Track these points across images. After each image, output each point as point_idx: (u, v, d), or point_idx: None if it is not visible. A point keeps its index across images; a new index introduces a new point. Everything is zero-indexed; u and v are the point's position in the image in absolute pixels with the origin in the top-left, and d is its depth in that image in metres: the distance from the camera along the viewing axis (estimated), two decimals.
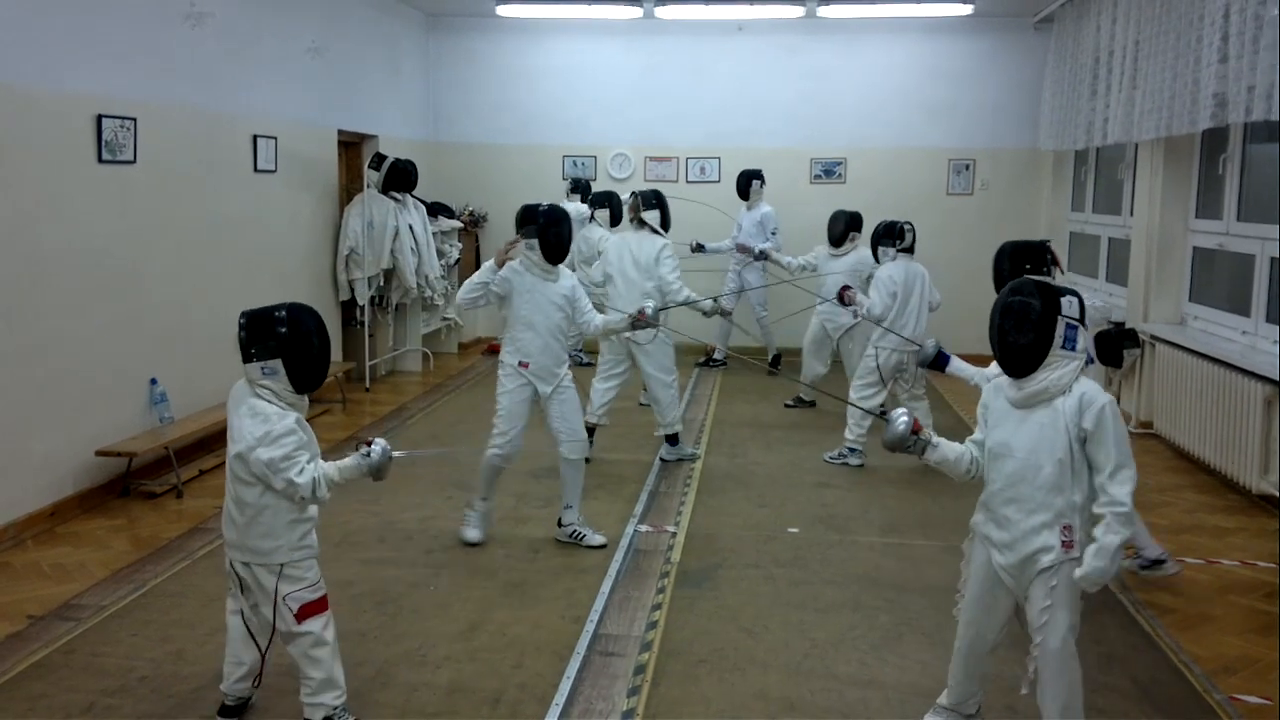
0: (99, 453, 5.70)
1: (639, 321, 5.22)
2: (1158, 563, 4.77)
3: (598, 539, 5.20)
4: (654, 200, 6.59)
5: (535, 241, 4.96)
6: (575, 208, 8.46)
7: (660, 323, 5.49)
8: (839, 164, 10.57)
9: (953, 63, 10.32)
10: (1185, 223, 7.43)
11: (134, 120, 5.90)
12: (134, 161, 5.94)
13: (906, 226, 6.64)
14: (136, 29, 5.98)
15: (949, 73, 10.33)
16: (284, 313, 3.24)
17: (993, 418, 3.14)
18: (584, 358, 9.54)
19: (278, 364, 3.22)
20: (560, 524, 5.27)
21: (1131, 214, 8.14)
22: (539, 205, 5.06)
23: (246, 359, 3.24)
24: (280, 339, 3.21)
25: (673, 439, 6.70)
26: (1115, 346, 7.65)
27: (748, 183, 9.49)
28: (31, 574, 4.78)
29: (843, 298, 6.49)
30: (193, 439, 6.29)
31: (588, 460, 5.47)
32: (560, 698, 3.67)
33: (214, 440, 6.51)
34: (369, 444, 3.36)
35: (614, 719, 3.54)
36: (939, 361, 4.47)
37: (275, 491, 3.24)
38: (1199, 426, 6.51)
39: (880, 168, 10.36)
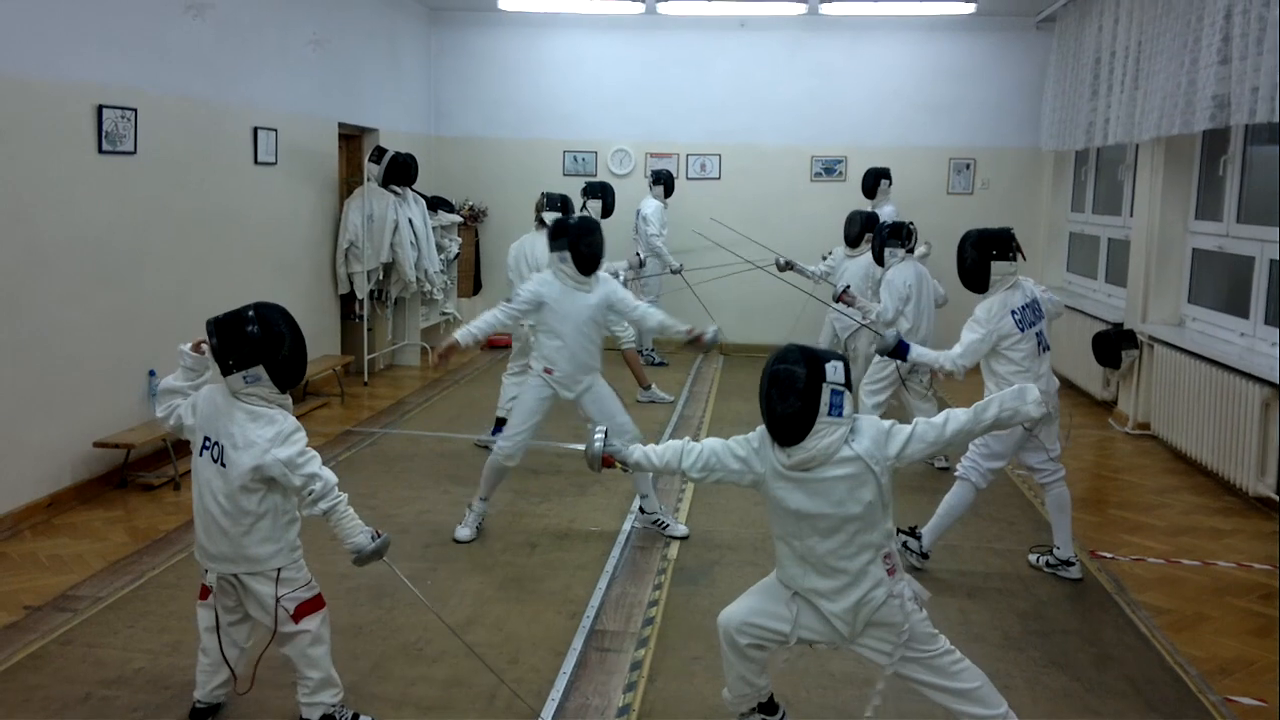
0: (97, 444, 5.70)
1: (695, 342, 5.07)
2: (1066, 563, 4.83)
3: (681, 529, 5.29)
4: (558, 203, 6.61)
5: (568, 254, 4.99)
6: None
7: (715, 346, 5.27)
8: (840, 162, 10.56)
9: (954, 62, 10.31)
10: (1185, 224, 7.43)
11: (134, 111, 5.89)
12: (134, 152, 5.94)
13: (912, 227, 6.63)
14: (138, 19, 5.97)
15: (950, 71, 10.32)
16: (252, 313, 3.15)
17: (782, 481, 2.98)
18: (655, 357, 9.53)
19: (259, 370, 3.15)
20: (643, 511, 5.36)
21: (1131, 215, 8.15)
22: (570, 218, 5.11)
23: (226, 371, 3.16)
24: (255, 343, 3.13)
25: None
26: (1113, 348, 7.66)
27: (875, 181, 9.43)
28: (29, 565, 4.78)
29: (843, 298, 6.50)
30: None
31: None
32: (556, 693, 3.68)
33: None
34: (378, 533, 3.26)
35: (610, 714, 3.55)
36: (899, 351, 4.53)
37: (279, 494, 3.22)
38: (1196, 428, 6.52)
39: (881, 166, 10.35)
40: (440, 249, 9.56)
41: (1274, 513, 5.74)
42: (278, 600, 3.24)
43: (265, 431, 3.16)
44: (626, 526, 5.41)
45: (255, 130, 7.30)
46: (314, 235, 8.38)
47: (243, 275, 7.09)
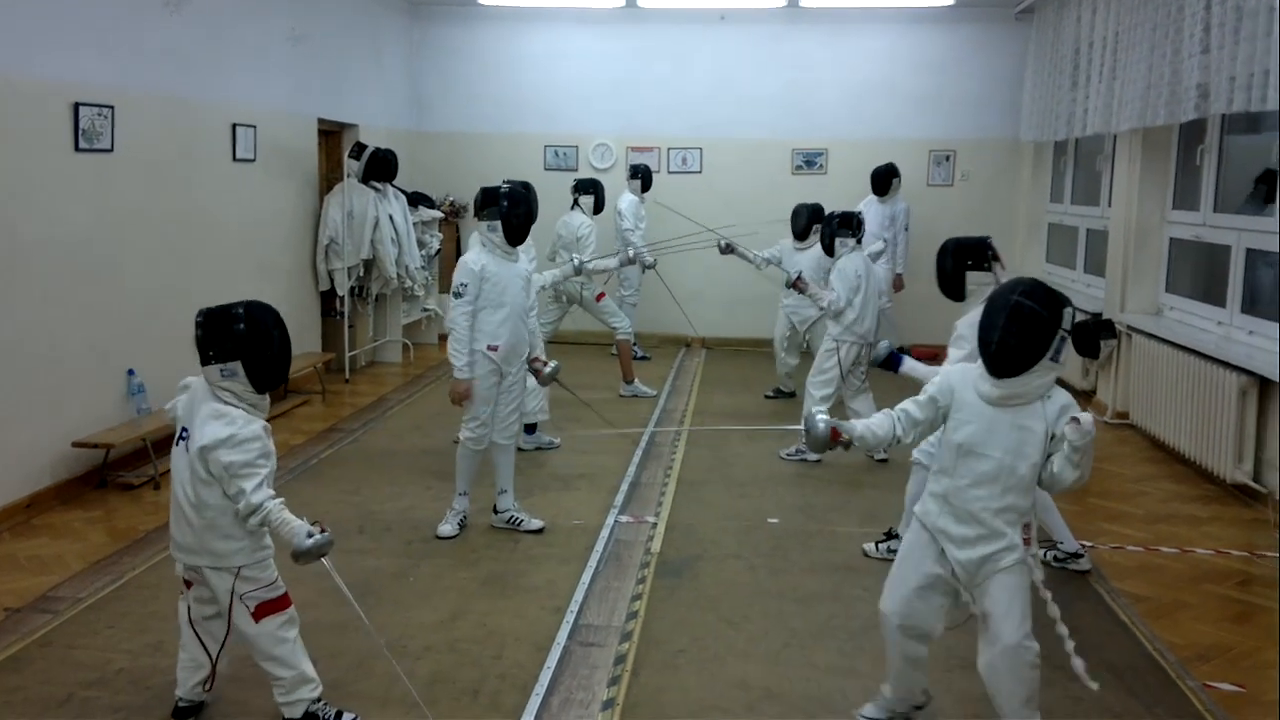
0: (76, 444, 5.66)
1: (536, 370, 5.27)
2: (1074, 556, 4.84)
3: (535, 523, 5.25)
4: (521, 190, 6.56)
5: (498, 224, 5.00)
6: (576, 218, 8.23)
7: (549, 381, 5.43)
8: (820, 155, 10.58)
9: (934, 53, 10.33)
10: (1162, 214, 7.48)
11: (111, 108, 5.84)
12: (111, 150, 5.89)
13: (861, 217, 6.65)
14: (114, 15, 5.92)
15: (930, 63, 10.34)
16: (242, 310, 3.18)
17: (964, 411, 3.08)
18: (638, 351, 9.27)
19: (237, 365, 3.15)
20: (495, 510, 5.31)
21: (1109, 205, 8.20)
22: (499, 187, 5.08)
23: (205, 361, 3.18)
24: (238, 339, 3.14)
25: (530, 428, 6.68)
26: (1092, 337, 7.71)
27: (888, 179, 9.39)
28: (8, 566, 4.75)
29: (796, 285, 6.56)
30: (170, 430, 6.19)
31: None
32: (540, 688, 3.68)
33: None
34: (323, 528, 3.14)
35: (594, 709, 3.56)
36: (891, 362, 4.47)
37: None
38: (1175, 417, 6.57)
39: (861, 159, 10.33)
40: (421, 245, 9.53)
41: (1251, 500, 5.80)
42: (233, 596, 3.23)
43: (221, 432, 3.14)
44: (610, 521, 5.42)
45: (234, 127, 7.25)
46: (294, 232, 8.34)
47: (222, 273, 7.05)
